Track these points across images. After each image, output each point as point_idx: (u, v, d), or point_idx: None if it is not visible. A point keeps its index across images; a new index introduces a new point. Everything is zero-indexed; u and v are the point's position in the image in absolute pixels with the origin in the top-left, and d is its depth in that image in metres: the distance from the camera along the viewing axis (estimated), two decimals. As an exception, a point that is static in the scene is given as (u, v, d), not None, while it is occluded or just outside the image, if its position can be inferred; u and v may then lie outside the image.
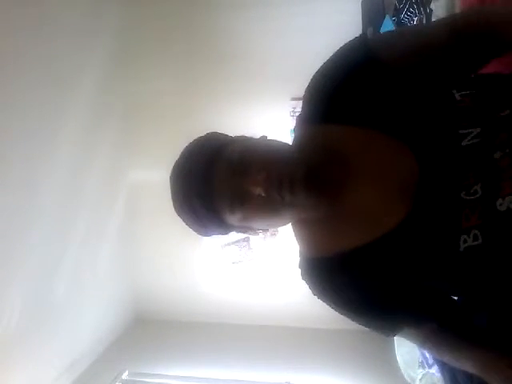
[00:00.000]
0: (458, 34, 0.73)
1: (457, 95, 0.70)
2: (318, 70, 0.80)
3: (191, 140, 0.81)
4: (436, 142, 0.68)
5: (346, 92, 0.74)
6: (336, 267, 0.76)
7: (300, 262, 0.84)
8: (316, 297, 0.82)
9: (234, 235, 3.27)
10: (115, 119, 3.11)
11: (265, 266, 3.21)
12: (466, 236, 0.66)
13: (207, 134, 0.81)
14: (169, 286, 3.32)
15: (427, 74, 0.73)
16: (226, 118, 2.85)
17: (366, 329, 0.83)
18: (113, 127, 3.09)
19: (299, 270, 0.84)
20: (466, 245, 0.66)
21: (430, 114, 0.69)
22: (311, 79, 0.80)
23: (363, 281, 0.75)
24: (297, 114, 2.84)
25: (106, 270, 3.04)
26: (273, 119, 2.96)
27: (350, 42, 0.79)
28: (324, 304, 0.83)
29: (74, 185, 2.68)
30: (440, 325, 0.80)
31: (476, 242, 0.66)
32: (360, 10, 2.56)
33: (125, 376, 2.72)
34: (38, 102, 2.33)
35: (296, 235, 0.84)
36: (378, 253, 0.72)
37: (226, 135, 0.82)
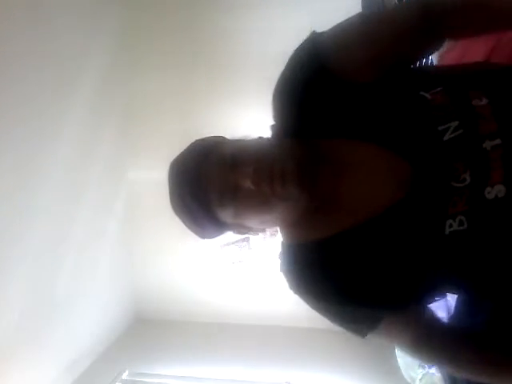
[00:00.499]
0: (431, 15, 0.72)
1: (427, 95, 0.70)
2: (276, 85, 0.79)
3: (191, 140, 0.81)
4: (419, 144, 0.69)
5: (312, 107, 0.74)
6: (319, 253, 0.76)
7: (281, 252, 0.83)
8: (293, 291, 0.80)
9: (234, 235, 3.26)
10: (115, 119, 3.11)
11: (265, 265, 3.21)
12: (451, 221, 0.67)
13: (207, 136, 0.82)
14: (169, 286, 3.31)
15: (389, 81, 0.73)
16: (226, 118, 2.85)
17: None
18: (113, 127, 3.09)
19: (279, 261, 0.83)
20: (452, 229, 0.67)
21: (407, 118, 0.70)
22: (272, 95, 0.80)
23: (345, 267, 0.74)
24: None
25: (105, 269, 3.04)
26: (272, 119, 2.96)
27: (298, 52, 0.77)
28: None
29: (74, 185, 2.68)
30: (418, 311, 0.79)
31: (461, 227, 0.67)
32: (360, 10, 2.56)
33: (125, 376, 2.72)
34: (38, 102, 2.32)
35: (282, 225, 0.83)
36: (363, 236, 0.72)
37: (224, 137, 0.82)
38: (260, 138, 0.82)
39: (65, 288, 2.59)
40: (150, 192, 2.85)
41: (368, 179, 0.72)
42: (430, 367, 2.05)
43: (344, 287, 0.75)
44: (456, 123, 0.67)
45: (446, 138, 0.67)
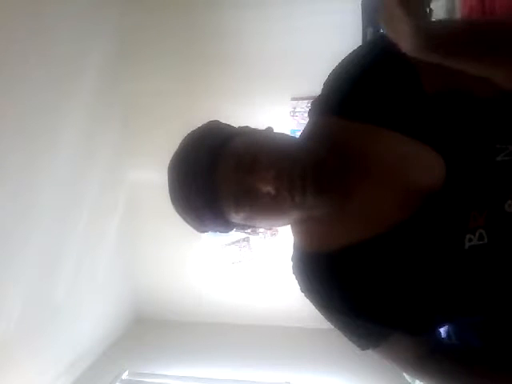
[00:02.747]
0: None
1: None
2: (339, 64, 0.76)
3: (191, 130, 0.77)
4: (470, 153, 0.64)
5: (368, 89, 0.70)
6: (332, 263, 0.74)
7: (293, 254, 0.81)
8: (303, 294, 0.80)
9: (233, 235, 3.27)
10: (115, 119, 3.11)
11: (265, 265, 3.21)
12: (471, 235, 0.65)
13: (209, 123, 0.76)
14: (169, 286, 3.32)
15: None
16: (226, 118, 2.84)
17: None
18: (113, 127, 3.09)
19: (291, 263, 0.81)
20: (471, 243, 0.65)
21: (466, 121, 0.65)
22: (332, 71, 0.76)
23: (357, 279, 0.72)
24: (297, 113, 2.84)
25: (106, 269, 3.04)
26: (273, 119, 2.96)
27: (370, 39, 0.78)
28: None
29: (75, 185, 2.68)
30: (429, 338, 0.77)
31: (481, 242, 0.65)
32: (360, 10, 2.56)
33: (125, 376, 2.72)
34: (39, 103, 2.32)
35: (293, 228, 0.81)
36: (380, 248, 0.70)
37: (229, 125, 0.78)
38: (270, 129, 0.78)
39: (65, 288, 2.59)
40: (150, 192, 2.85)
41: (387, 187, 0.69)
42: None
43: (356, 301, 0.73)
44: None
45: (499, 158, 0.64)
